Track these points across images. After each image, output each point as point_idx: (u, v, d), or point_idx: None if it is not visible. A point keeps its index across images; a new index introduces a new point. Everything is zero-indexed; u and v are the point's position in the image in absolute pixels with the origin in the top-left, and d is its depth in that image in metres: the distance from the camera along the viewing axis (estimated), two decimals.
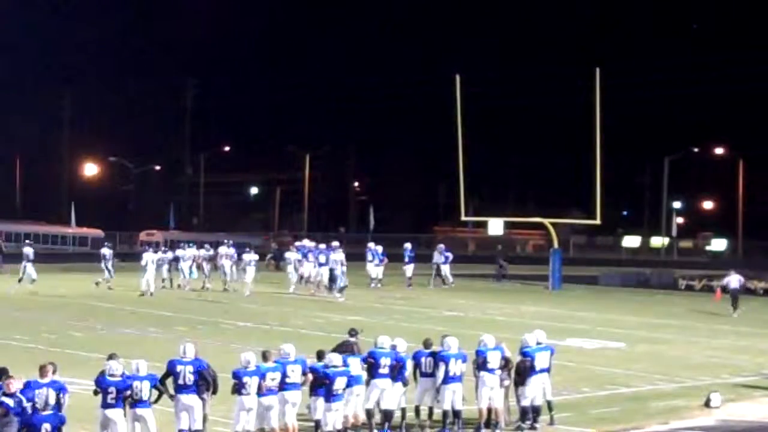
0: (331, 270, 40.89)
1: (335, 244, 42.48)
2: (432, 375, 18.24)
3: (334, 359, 17.25)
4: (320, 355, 17.58)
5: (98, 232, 75.53)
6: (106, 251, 42.66)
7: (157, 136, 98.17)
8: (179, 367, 16.28)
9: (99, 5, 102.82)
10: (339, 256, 41.05)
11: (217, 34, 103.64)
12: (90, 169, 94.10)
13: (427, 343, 18.64)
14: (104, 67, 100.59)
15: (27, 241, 46.13)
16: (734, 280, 41.19)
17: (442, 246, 48.57)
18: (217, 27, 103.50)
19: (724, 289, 42.44)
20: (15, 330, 28.91)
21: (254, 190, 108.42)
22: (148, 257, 40.12)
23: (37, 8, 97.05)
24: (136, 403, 15.47)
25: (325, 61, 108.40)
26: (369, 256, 45.93)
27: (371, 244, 47.19)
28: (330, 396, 16.98)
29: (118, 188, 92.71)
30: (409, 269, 46.51)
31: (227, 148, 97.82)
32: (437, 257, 46.87)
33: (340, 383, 17.05)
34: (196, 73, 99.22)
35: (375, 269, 45.45)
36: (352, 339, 19.15)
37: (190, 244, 45.35)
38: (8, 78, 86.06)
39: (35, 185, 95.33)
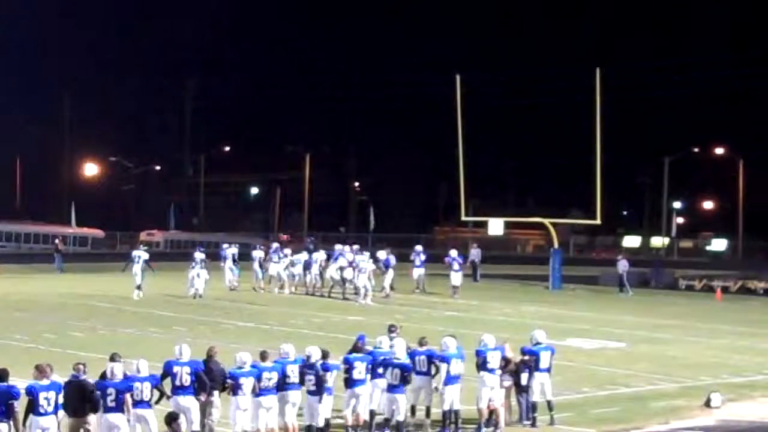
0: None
1: (356, 247, 42.09)
2: (426, 374, 18.25)
3: (314, 353, 17.44)
4: (325, 355, 17.59)
5: (98, 232, 75.51)
6: (228, 252, 41.50)
7: (157, 136, 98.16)
8: (176, 368, 16.31)
9: (99, 5, 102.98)
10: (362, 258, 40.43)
11: (217, 34, 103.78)
12: (90, 169, 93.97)
13: (422, 342, 18.65)
14: (104, 67, 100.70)
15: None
16: (622, 265, 48.03)
17: (418, 248, 44.97)
18: (217, 27, 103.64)
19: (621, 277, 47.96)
20: (15, 330, 28.91)
21: (254, 190, 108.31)
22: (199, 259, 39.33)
23: (37, 8, 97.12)
24: (137, 403, 15.47)
25: (325, 60, 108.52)
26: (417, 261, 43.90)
27: (418, 247, 44.96)
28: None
29: (118, 188, 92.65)
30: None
31: (227, 148, 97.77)
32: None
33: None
34: (196, 73, 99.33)
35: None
36: (393, 334, 19.13)
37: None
38: (8, 78, 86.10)
39: (35, 185, 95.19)
